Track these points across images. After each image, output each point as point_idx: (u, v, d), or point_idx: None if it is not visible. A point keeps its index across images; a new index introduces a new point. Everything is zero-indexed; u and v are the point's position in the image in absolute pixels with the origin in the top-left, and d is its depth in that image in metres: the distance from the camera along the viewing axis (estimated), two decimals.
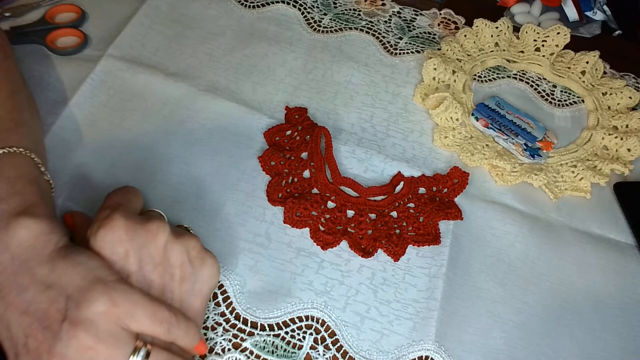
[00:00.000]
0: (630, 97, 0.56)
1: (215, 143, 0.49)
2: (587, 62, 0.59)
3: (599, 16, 0.67)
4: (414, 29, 0.62)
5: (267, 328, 0.40)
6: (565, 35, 0.59)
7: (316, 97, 0.54)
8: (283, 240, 0.44)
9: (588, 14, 0.67)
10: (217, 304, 0.41)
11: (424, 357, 0.40)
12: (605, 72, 0.60)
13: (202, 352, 0.35)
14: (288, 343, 0.39)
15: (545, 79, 0.60)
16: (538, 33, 0.60)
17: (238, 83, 0.54)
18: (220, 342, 0.39)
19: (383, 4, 0.65)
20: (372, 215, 0.46)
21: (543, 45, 0.60)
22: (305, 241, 0.44)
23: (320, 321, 0.41)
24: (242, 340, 0.39)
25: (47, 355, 0.29)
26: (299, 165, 0.48)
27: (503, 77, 0.60)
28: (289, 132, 0.50)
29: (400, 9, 0.64)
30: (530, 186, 0.50)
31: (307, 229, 0.45)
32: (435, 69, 0.55)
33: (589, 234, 0.48)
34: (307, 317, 0.41)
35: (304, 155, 0.49)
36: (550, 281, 0.45)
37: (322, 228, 0.45)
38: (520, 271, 0.45)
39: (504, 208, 0.49)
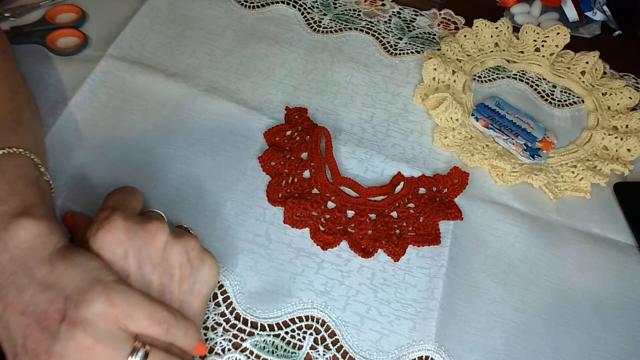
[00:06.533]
0: (630, 97, 0.56)
1: (215, 143, 0.49)
2: (587, 63, 0.59)
3: (598, 16, 0.67)
4: (414, 29, 0.62)
5: (267, 328, 0.40)
6: (565, 35, 0.59)
7: (316, 98, 0.54)
8: (283, 240, 0.44)
9: (588, 14, 0.67)
10: (217, 304, 0.41)
11: (424, 357, 0.40)
12: (605, 72, 0.60)
13: (202, 353, 0.35)
14: (288, 343, 0.39)
15: (545, 79, 0.60)
16: (538, 33, 0.60)
17: (238, 83, 0.54)
18: (220, 342, 0.39)
19: (383, 4, 0.65)
20: (372, 216, 0.46)
21: (543, 46, 0.60)
22: (305, 241, 0.44)
23: (320, 321, 0.41)
24: (242, 340, 0.39)
25: (46, 355, 0.29)
26: (299, 166, 0.48)
27: (503, 78, 0.59)
28: (289, 133, 0.50)
29: (400, 9, 0.64)
30: (530, 186, 0.50)
31: (307, 229, 0.45)
32: (435, 69, 0.55)
33: (588, 234, 0.48)
34: (307, 317, 0.41)
35: (304, 155, 0.49)
36: (550, 281, 0.45)
37: (322, 228, 0.45)
38: (520, 271, 0.45)
39: (504, 208, 0.49)
